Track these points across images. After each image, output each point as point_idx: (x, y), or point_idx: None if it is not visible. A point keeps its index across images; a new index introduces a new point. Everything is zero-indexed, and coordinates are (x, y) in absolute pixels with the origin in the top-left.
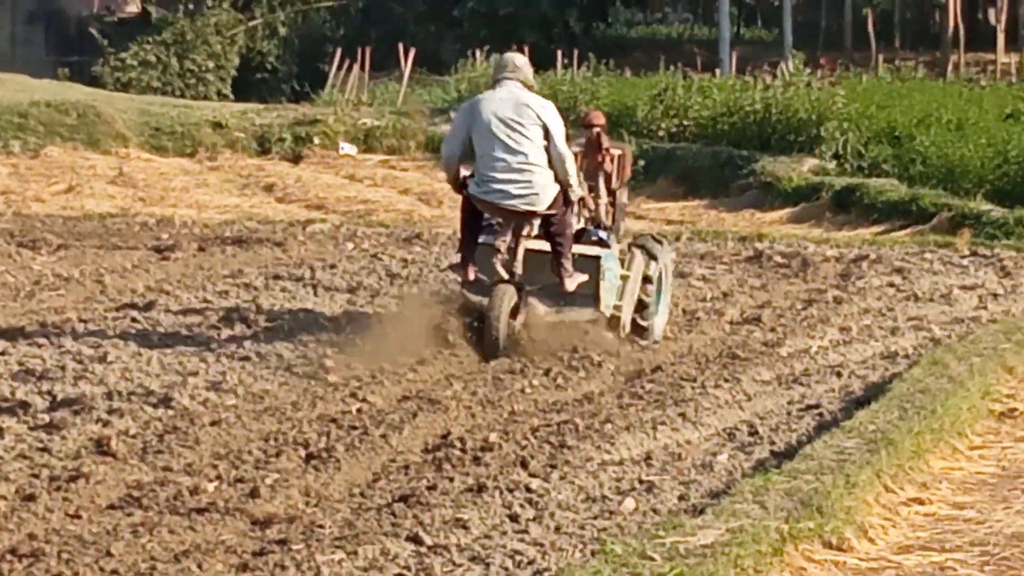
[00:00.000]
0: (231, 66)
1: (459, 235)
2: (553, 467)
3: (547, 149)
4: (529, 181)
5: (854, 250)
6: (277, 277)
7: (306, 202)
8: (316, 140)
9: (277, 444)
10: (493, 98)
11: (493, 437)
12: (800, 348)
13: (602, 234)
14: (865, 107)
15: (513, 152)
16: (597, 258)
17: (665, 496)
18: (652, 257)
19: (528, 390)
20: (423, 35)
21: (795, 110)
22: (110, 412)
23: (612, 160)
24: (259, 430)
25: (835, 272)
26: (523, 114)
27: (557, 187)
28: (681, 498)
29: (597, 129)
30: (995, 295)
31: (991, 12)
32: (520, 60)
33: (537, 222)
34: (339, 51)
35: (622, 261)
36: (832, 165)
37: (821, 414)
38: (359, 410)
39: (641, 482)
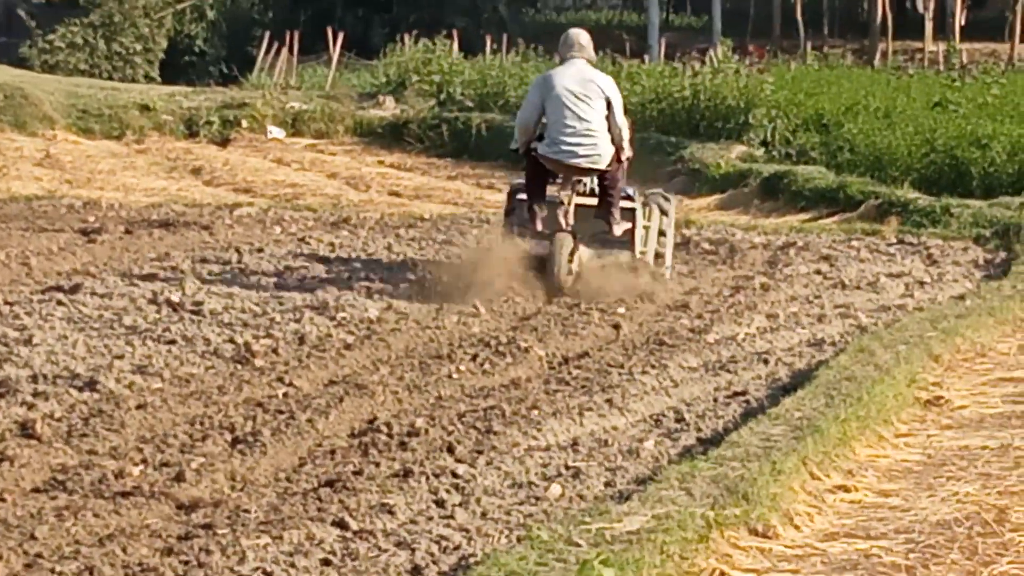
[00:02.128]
0: (159, 49)
1: (525, 191)
2: (480, 453)
3: (607, 118)
4: (593, 143)
5: (781, 237)
6: (204, 260)
7: (233, 185)
8: (244, 123)
9: (203, 428)
10: (564, 73)
11: (420, 422)
12: (727, 335)
13: (630, 190)
14: (793, 94)
15: (580, 120)
16: (633, 210)
17: (591, 482)
18: (663, 212)
19: (455, 375)
20: (352, 19)
21: (723, 97)
22: (35, 395)
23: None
24: (185, 414)
25: (762, 259)
26: (589, 89)
27: (613, 149)
28: (607, 484)
29: None
30: (922, 283)
31: (919, 0)
32: (585, 39)
33: (594, 177)
34: (267, 34)
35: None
36: (760, 152)
37: (748, 401)
38: (285, 394)
39: (567, 468)
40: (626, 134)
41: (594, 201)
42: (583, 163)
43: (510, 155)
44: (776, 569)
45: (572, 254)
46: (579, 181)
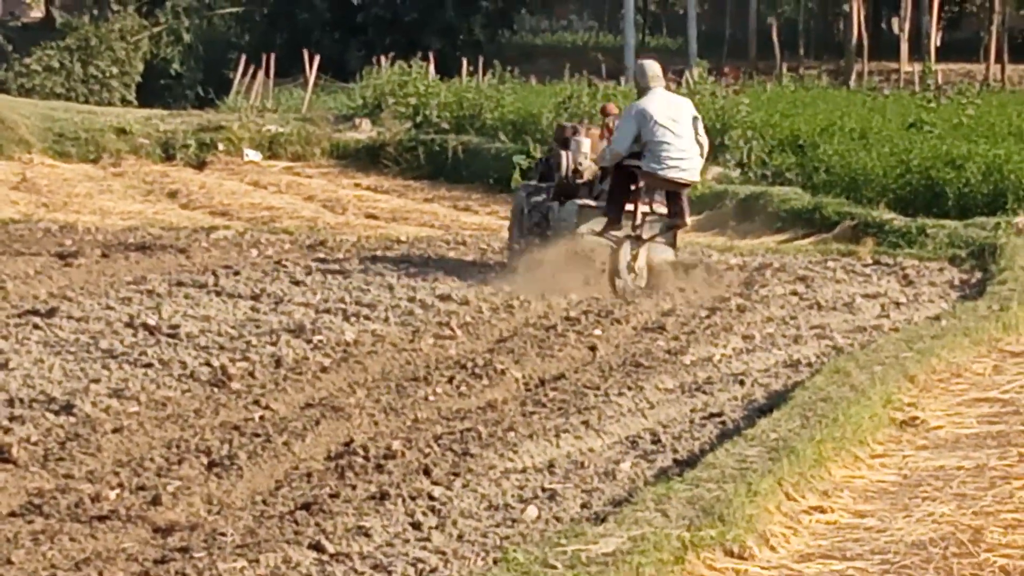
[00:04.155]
0: (135, 72)
1: (613, 202)
2: (456, 475)
3: (695, 136)
4: (691, 160)
5: (758, 258)
6: (180, 284)
7: (210, 208)
8: (221, 146)
9: (179, 451)
10: (655, 102)
11: (396, 445)
12: (703, 356)
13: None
14: (769, 115)
15: (680, 139)
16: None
17: (567, 504)
18: None
19: (431, 398)
20: (328, 42)
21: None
22: (11, 419)
23: None
24: (161, 437)
25: (739, 280)
26: (680, 112)
27: (701, 161)
28: (583, 506)
29: (612, 117)
30: (897, 304)
31: (895, 21)
32: (659, 69)
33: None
34: (244, 57)
35: None
36: (736, 173)
37: (724, 422)
38: (262, 417)
39: (544, 490)
40: (706, 148)
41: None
42: (686, 177)
43: (487, 177)
44: None
45: (638, 257)
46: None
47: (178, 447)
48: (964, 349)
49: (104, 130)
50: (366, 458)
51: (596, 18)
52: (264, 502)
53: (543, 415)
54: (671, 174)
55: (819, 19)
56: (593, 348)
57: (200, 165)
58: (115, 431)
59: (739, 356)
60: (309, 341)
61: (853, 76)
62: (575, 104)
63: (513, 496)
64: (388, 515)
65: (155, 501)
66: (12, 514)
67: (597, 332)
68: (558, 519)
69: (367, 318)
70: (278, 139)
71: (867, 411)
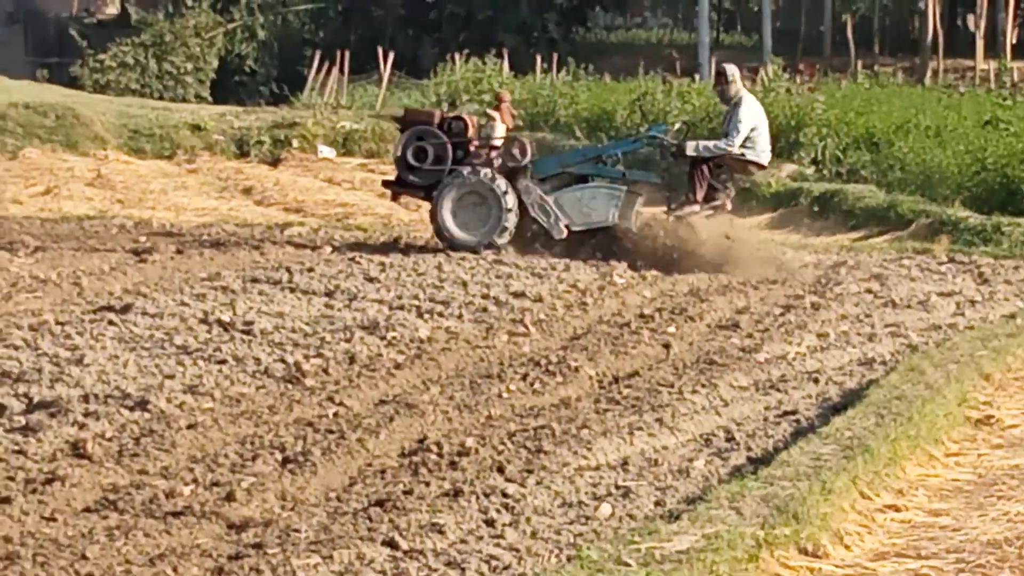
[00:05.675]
0: (210, 68)
1: (702, 185)
2: (530, 472)
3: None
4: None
5: (832, 256)
6: (255, 280)
7: (284, 205)
8: (295, 143)
9: (253, 448)
10: (756, 101)
11: (470, 442)
12: (777, 354)
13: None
14: (844, 113)
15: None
16: None
17: (641, 502)
18: None
19: (505, 395)
20: (402, 39)
21: (774, 115)
22: (86, 415)
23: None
24: (235, 434)
25: (813, 278)
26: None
27: None
28: (657, 504)
29: (507, 103)
30: (973, 302)
31: (970, 18)
32: None
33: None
34: (318, 54)
35: None
36: (811, 171)
37: (798, 420)
38: (335, 414)
39: (617, 487)
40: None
41: None
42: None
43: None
44: None
45: None
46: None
47: (252, 443)
48: None
49: (179, 127)
50: (440, 455)
51: (670, 15)
52: (338, 498)
53: (617, 412)
54: (765, 160)
55: (894, 16)
56: (667, 345)
57: (274, 162)
58: (189, 427)
59: (813, 354)
60: (383, 338)
61: (928, 73)
62: (649, 102)
63: (587, 493)
64: (462, 512)
65: (229, 497)
66: (87, 510)
67: (671, 330)
68: (632, 517)
69: (441, 315)
70: (352, 136)
71: (942, 409)
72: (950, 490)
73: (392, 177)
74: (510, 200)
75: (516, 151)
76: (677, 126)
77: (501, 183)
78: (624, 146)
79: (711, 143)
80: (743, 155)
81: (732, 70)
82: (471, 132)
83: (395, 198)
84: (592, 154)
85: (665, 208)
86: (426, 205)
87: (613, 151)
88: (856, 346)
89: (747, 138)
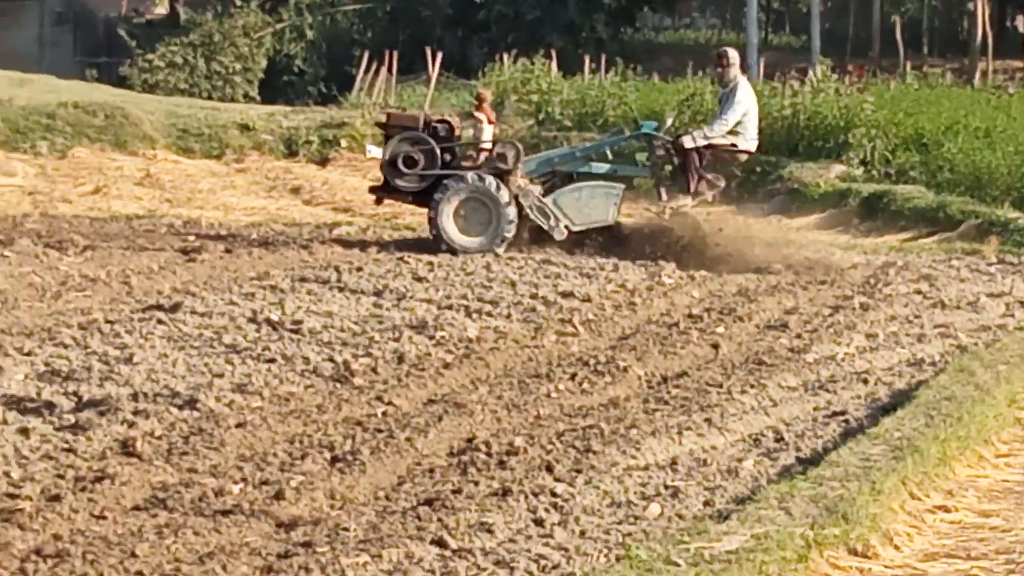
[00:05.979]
0: (258, 68)
1: (695, 174)
2: (578, 472)
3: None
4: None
5: (881, 257)
6: (303, 279)
7: (333, 205)
8: (343, 143)
9: (302, 446)
10: (750, 87)
11: (518, 441)
12: (826, 354)
13: None
14: (893, 114)
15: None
16: None
17: (690, 502)
18: None
19: (554, 394)
20: (450, 39)
21: (823, 116)
22: (135, 413)
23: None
24: (284, 432)
25: (862, 278)
26: None
27: None
28: (706, 504)
29: (486, 103)
30: (1022, 303)
31: (1020, 19)
32: None
33: None
34: (366, 54)
35: None
36: (860, 171)
37: (847, 420)
38: (384, 413)
39: (666, 487)
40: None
41: None
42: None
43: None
44: None
45: None
46: None
47: (301, 442)
48: None
49: (227, 126)
50: (488, 454)
51: (719, 16)
52: (387, 497)
53: (665, 412)
54: (752, 147)
55: (943, 17)
56: (716, 346)
57: (323, 161)
58: (238, 426)
59: (862, 354)
60: (431, 337)
61: (978, 74)
62: (698, 102)
63: (635, 493)
64: (510, 511)
65: (278, 496)
66: (136, 508)
67: (720, 330)
68: (680, 516)
69: (489, 315)
70: None
71: (992, 410)
72: (1000, 491)
73: (379, 183)
74: (511, 212)
75: (509, 154)
76: (670, 121)
77: (504, 193)
78: (613, 142)
79: (704, 129)
80: (733, 144)
81: (732, 54)
82: (457, 134)
83: (378, 201)
84: (583, 152)
85: (656, 200)
86: None
87: (603, 148)
88: (905, 347)
89: (738, 122)
